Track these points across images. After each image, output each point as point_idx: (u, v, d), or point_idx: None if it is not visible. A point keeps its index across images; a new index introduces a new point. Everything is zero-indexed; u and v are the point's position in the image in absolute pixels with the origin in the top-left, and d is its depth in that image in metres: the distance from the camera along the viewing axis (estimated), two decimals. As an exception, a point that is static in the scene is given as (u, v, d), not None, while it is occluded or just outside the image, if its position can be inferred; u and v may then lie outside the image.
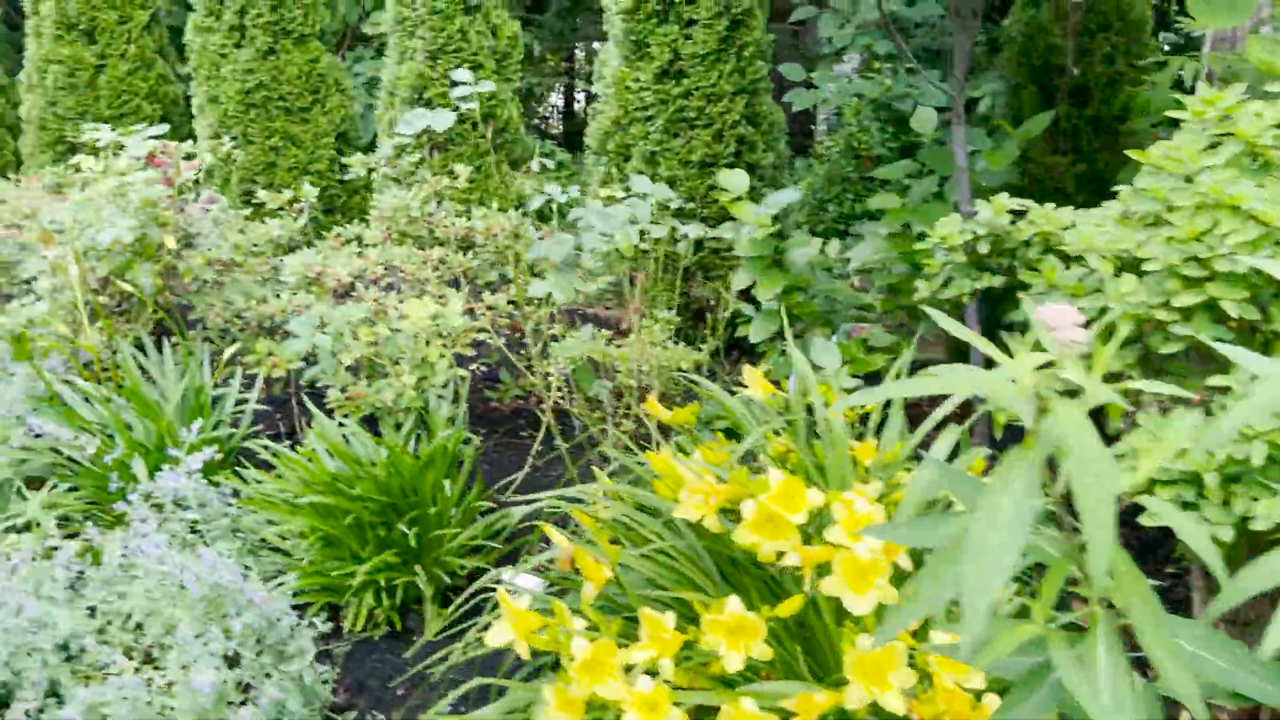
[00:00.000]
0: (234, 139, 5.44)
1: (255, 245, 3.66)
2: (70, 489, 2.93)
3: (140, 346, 3.30)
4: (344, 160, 4.48)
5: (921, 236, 3.16)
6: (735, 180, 3.49)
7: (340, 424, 2.77)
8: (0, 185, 4.31)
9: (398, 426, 2.85)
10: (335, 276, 3.15)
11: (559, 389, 3.08)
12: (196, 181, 3.52)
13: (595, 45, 11.17)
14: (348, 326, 2.75)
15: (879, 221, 3.76)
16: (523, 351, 3.99)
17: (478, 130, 5.15)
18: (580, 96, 13.96)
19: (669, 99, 4.26)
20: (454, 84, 2.44)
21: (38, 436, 3.16)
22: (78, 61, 6.04)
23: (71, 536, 2.62)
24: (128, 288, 3.13)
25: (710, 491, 1.52)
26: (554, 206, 3.72)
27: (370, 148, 5.90)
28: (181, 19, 7.40)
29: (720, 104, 4.25)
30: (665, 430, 2.87)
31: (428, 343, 2.74)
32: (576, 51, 12.39)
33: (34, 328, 3.30)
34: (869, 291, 3.98)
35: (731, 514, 1.59)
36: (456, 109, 2.40)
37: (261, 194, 3.78)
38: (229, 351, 3.06)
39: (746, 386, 2.07)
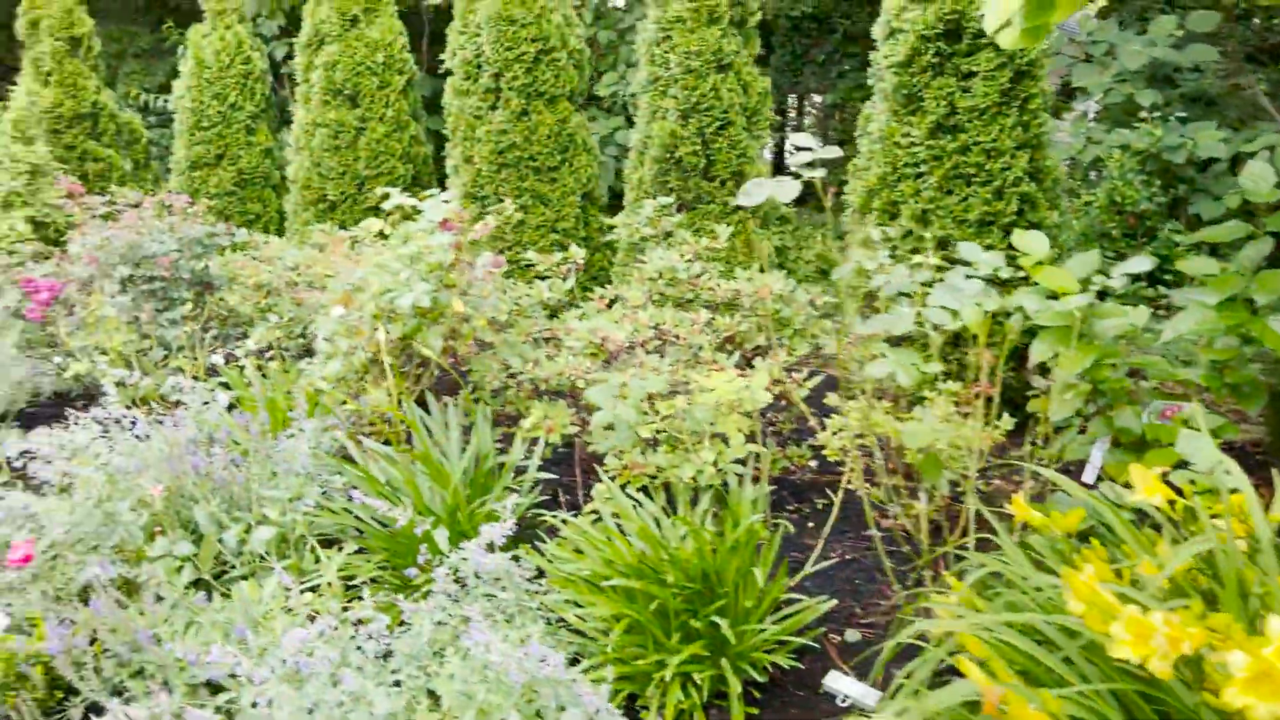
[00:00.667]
0: (485, 198, 5.57)
1: (525, 306, 3.66)
2: (358, 550, 2.95)
3: (424, 406, 3.32)
4: (607, 221, 4.47)
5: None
6: (1034, 242, 3.20)
7: (636, 502, 2.66)
8: (301, 250, 4.54)
9: (692, 502, 2.72)
10: (616, 342, 3.07)
11: (852, 463, 2.88)
12: (474, 242, 3.56)
13: (815, 98, 11.01)
14: (645, 397, 2.65)
15: (1199, 289, 3.37)
16: (782, 417, 3.82)
17: (725, 187, 5.06)
18: (789, 149, 13.85)
19: (944, 155, 4.02)
20: (798, 149, 2.30)
21: (324, 493, 3.22)
22: (341, 124, 6.39)
23: (354, 599, 2.62)
24: (420, 350, 3.16)
25: (1179, 635, 1.27)
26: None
27: (611, 206, 5.92)
28: (430, 84, 7.75)
29: (1000, 159, 3.97)
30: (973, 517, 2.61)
31: (726, 416, 2.60)
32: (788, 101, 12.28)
33: (323, 385, 3.40)
34: (1174, 363, 3.58)
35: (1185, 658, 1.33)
36: (798, 176, 2.26)
37: (531, 255, 3.79)
38: (529, 421, 3.02)
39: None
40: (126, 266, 4.40)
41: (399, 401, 3.41)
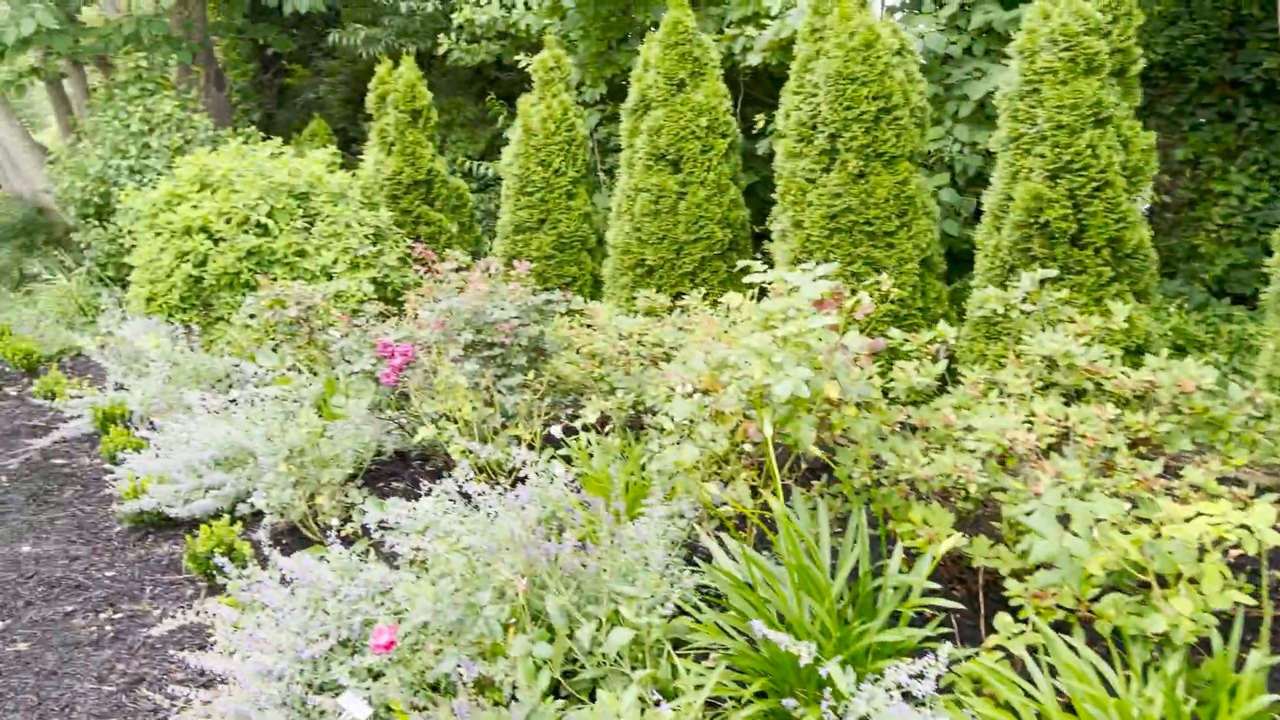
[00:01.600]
0: (815, 264, 5.24)
1: (890, 391, 3.26)
2: (727, 666, 2.64)
3: (786, 498, 2.99)
4: (979, 294, 4.00)
5: None
6: None
7: (1075, 650, 2.17)
8: (633, 319, 4.42)
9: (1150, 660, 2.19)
10: (1027, 444, 2.61)
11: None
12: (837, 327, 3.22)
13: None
14: (1093, 521, 2.17)
15: None
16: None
17: (1100, 255, 4.44)
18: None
19: None
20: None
21: (670, 583, 2.96)
22: (663, 189, 6.32)
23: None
24: (793, 442, 2.84)
25: None
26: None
27: (952, 274, 5.42)
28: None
29: None
30: None
31: (1203, 553, 2.08)
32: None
33: (669, 468, 3.15)
34: None
35: None
36: None
37: (894, 332, 3.40)
38: (904, 527, 2.61)
39: None
40: (470, 332, 4.43)
41: (752, 492, 3.10)
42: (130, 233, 7.91)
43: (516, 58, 9.07)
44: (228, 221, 7.07)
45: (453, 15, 10.88)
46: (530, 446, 4.34)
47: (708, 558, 3.55)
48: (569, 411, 4.72)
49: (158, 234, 7.22)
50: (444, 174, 8.89)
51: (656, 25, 8.16)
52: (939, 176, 7.19)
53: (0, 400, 7.32)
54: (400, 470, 4.94)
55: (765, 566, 2.67)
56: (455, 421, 4.06)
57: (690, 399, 3.19)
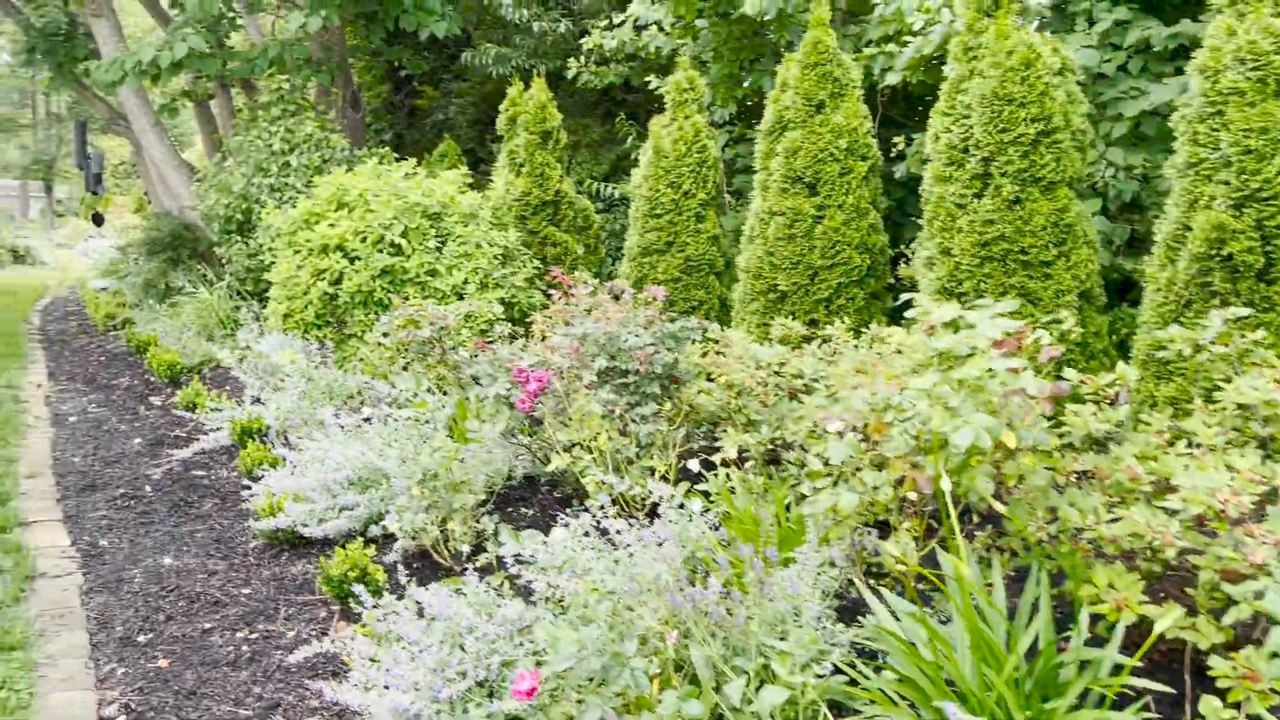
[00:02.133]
0: (963, 294, 4.98)
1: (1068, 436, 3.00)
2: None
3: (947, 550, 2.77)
4: (1158, 333, 3.69)
5: None
6: None
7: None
8: (771, 348, 4.25)
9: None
10: (1239, 506, 2.33)
11: None
12: (1040, 371, 2.98)
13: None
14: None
15: None
16: None
17: (1289, 293, 4.05)
18: None
19: None
20: None
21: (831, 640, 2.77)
22: (798, 212, 6.13)
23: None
24: (970, 492, 2.63)
25: None
26: None
27: (1111, 304, 5.07)
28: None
29: None
30: None
31: None
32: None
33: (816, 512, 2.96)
34: None
35: None
36: None
37: (1070, 373, 3.14)
38: (1086, 590, 2.36)
39: None
40: (604, 358, 4.33)
41: (912, 541, 2.89)
42: (270, 249, 8.13)
43: (646, 79, 9.02)
44: (363, 240, 7.19)
45: (583, 38, 10.94)
46: (664, 479, 4.20)
47: (857, 609, 3.34)
48: (703, 443, 4.57)
49: (296, 251, 7.39)
50: (571, 195, 8.89)
51: (792, 46, 8.00)
52: (1091, 202, 6.79)
53: (146, 409, 7.59)
54: (529, 496, 4.86)
55: (935, 628, 2.45)
56: (590, 451, 3.95)
57: (843, 439, 3.00)
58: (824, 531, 3.23)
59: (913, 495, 2.70)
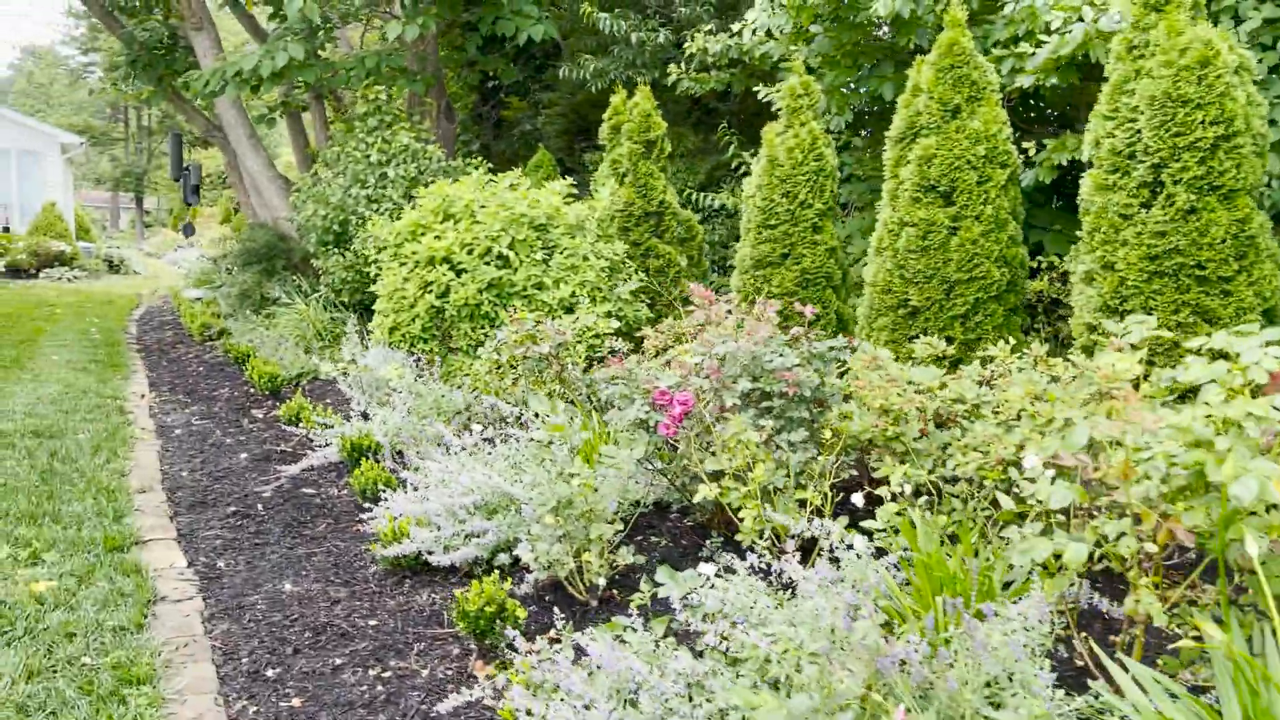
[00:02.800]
0: (1127, 312, 4.59)
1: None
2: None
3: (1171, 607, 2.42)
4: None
5: None
6: None
7: None
8: (924, 370, 3.92)
9: None
10: None
11: None
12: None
13: None
14: None
15: None
16: None
17: None
18: None
19: None
20: None
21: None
22: (932, 224, 5.78)
23: None
24: (1237, 549, 2.29)
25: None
26: None
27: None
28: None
29: None
30: None
31: None
32: None
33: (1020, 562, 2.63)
34: None
35: None
36: None
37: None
38: None
39: None
40: (746, 379, 4.04)
41: (1156, 600, 2.54)
42: (372, 261, 8.01)
43: (755, 87, 8.73)
44: (469, 252, 7.02)
45: (684, 45, 10.70)
46: (818, 511, 3.90)
47: (1073, 673, 3.00)
48: (853, 472, 4.25)
49: (401, 263, 7.26)
50: (675, 206, 8.64)
51: (921, 49, 7.61)
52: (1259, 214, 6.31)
53: (249, 422, 7.52)
54: (657, 523, 4.59)
55: (1205, 706, 2.11)
56: (743, 481, 3.66)
57: (1047, 476, 2.67)
58: (1023, 582, 2.90)
59: (1151, 547, 2.36)
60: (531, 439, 4.77)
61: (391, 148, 10.04)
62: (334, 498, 5.57)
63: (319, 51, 11.71)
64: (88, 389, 8.54)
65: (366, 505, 5.24)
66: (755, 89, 8.66)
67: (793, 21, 7.85)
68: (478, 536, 4.20)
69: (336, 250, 10.02)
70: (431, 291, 6.95)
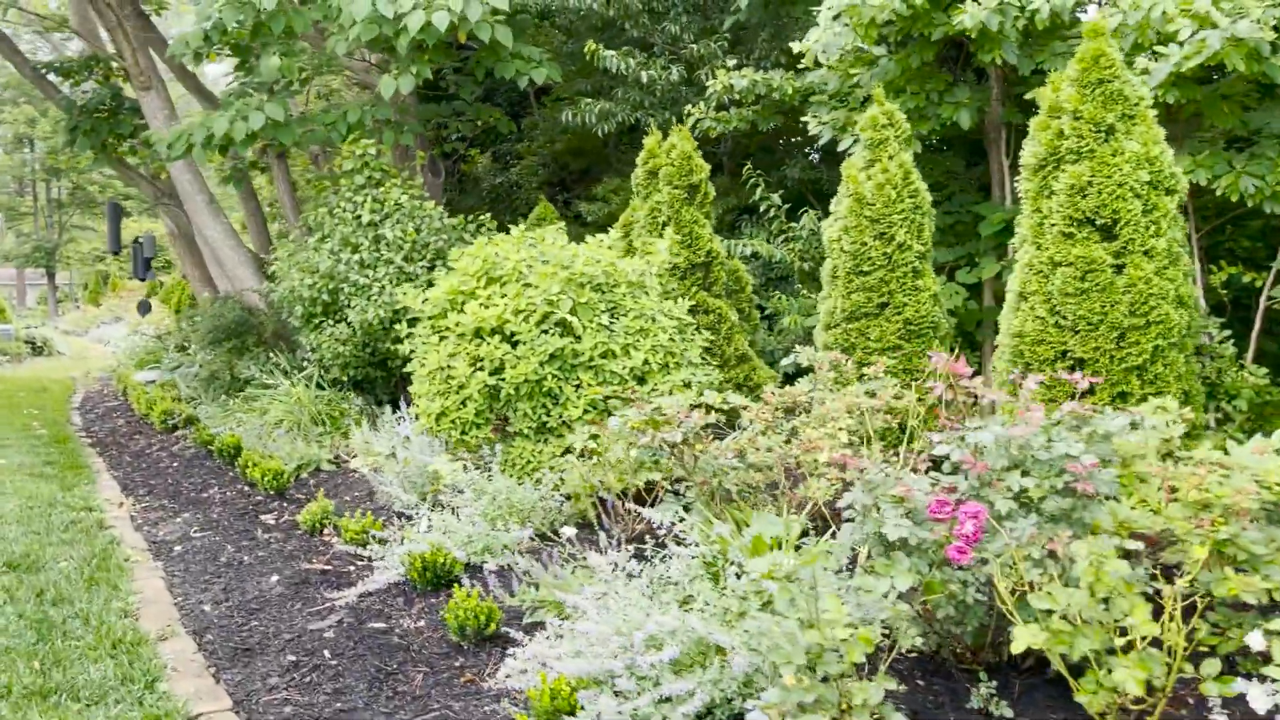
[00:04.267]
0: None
1: None
2: None
3: None
4: None
5: None
6: None
7: None
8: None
9: None
10: None
11: None
12: None
13: None
14: None
15: None
16: None
17: None
18: None
19: None
20: None
21: None
22: (1091, 262, 4.99)
23: None
24: None
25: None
26: None
27: None
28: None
29: None
30: None
31: None
32: None
33: None
34: None
35: None
36: None
37: None
38: None
39: None
40: (1017, 475, 3.13)
41: None
42: (405, 335, 6.94)
43: (773, 123, 7.93)
44: (525, 320, 6.03)
45: (694, 82, 9.92)
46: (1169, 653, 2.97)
47: None
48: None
49: (442, 337, 6.23)
50: (722, 255, 7.78)
51: (1015, 70, 6.85)
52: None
53: (263, 532, 6.34)
54: (903, 667, 3.61)
55: None
56: (1080, 625, 2.72)
57: None
58: None
59: None
60: (694, 556, 3.79)
61: (385, 206, 8.99)
62: (414, 633, 4.47)
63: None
64: (54, 500, 7.25)
65: (465, 646, 4.18)
66: (771, 124, 7.87)
67: (856, 44, 7.10)
68: (676, 702, 3.17)
69: (329, 323, 8.89)
70: (484, 368, 5.93)
